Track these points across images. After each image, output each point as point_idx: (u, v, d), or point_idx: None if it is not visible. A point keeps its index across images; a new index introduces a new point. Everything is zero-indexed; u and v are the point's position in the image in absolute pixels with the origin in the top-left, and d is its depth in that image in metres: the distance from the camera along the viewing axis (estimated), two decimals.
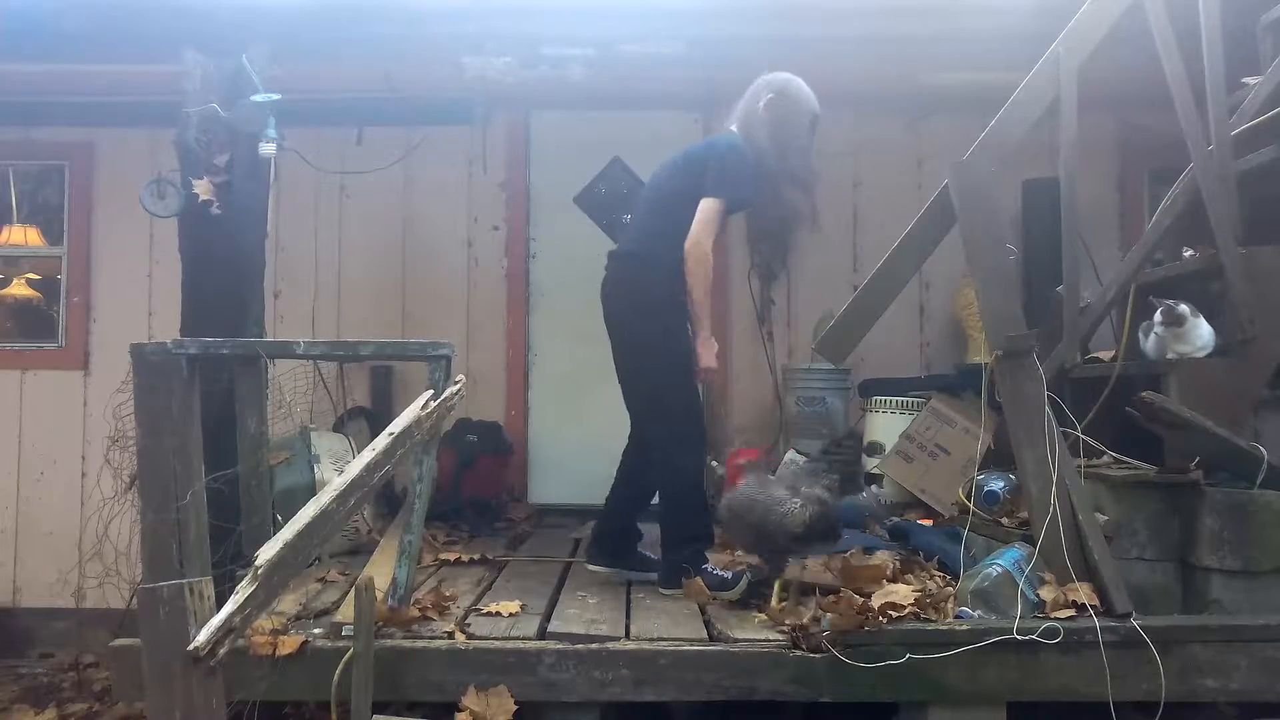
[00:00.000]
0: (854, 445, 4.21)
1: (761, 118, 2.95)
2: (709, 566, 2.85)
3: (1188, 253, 3.30)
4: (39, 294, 5.01)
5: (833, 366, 4.22)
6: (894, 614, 2.42)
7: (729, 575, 2.81)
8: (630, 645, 2.42)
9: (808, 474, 2.78)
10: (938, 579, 2.70)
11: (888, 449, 3.89)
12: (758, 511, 2.62)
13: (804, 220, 3.12)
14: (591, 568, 3.12)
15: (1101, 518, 2.64)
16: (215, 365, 2.88)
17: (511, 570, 3.35)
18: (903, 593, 2.50)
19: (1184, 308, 2.92)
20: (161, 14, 3.70)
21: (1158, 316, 2.94)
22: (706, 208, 2.85)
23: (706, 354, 2.92)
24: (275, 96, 3.40)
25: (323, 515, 1.91)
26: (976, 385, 3.18)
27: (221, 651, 1.66)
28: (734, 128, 3.02)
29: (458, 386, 2.51)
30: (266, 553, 1.78)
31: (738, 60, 4.38)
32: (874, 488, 3.89)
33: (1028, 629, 2.36)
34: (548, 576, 3.21)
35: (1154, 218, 3.20)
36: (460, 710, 2.29)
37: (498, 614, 2.65)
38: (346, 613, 2.45)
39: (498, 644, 2.42)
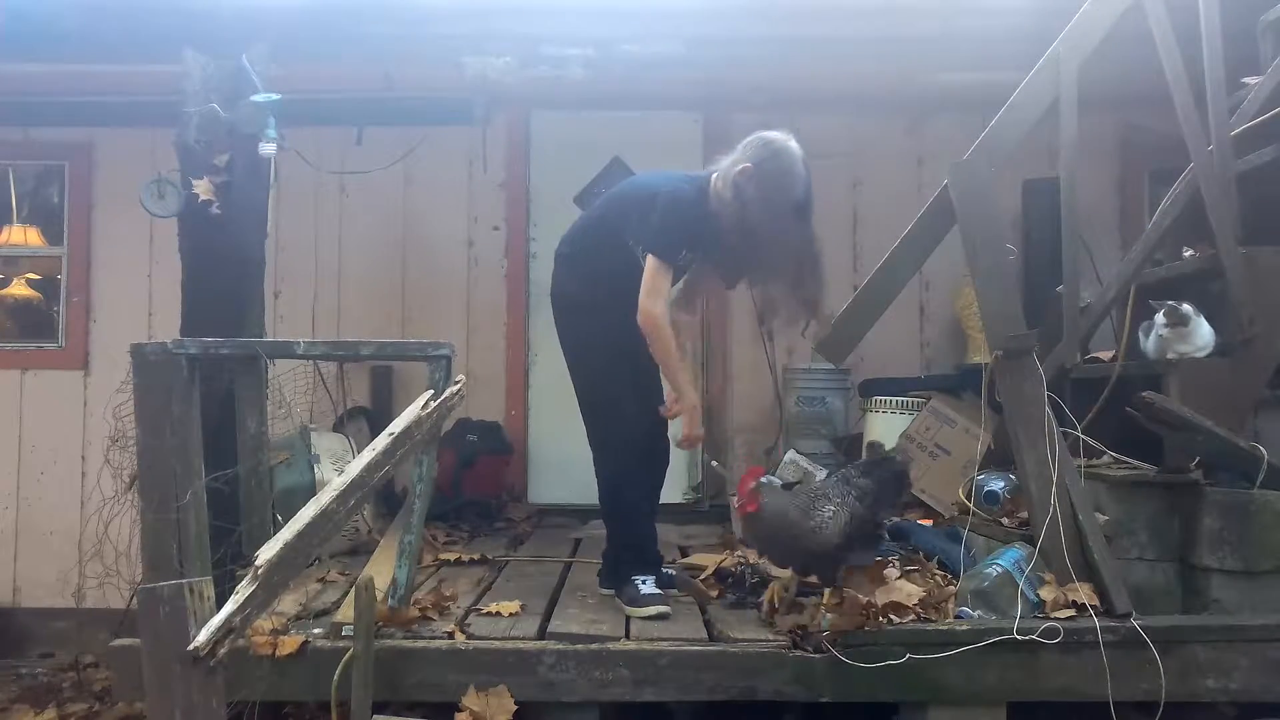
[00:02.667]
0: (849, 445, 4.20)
1: (737, 183, 2.64)
2: (638, 579, 2.73)
3: (1188, 253, 3.30)
4: (39, 294, 5.01)
5: (833, 366, 4.22)
6: (896, 615, 2.42)
7: (645, 593, 2.68)
8: (630, 645, 2.42)
9: (839, 482, 2.56)
10: (938, 579, 2.70)
11: (888, 449, 3.89)
12: (792, 530, 2.45)
13: (779, 311, 2.81)
14: (604, 592, 2.92)
15: (1101, 518, 2.64)
16: (215, 365, 2.88)
17: (511, 570, 3.35)
18: (907, 592, 2.50)
19: (1187, 307, 2.92)
20: (161, 14, 3.70)
21: (1161, 317, 2.93)
22: (648, 267, 2.65)
23: (685, 420, 2.73)
24: (275, 96, 3.39)
25: (323, 515, 1.91)
26: (976, 385, 3.18)
27: (221, 651, 1.65)
28: (715, 175, 2.73)
29: (458, 386, 2.51)
30: (266, 553, 1.78)
31: (738, 60, 4.42)
32: None
33: (1028, 629, 2.36)
34: (548, 576, 3.21)
35: (1154, 218, 3.19)
36: (460, 710, 2.29)
37: (498, 614, 2.65)
38: (346, 613, 2.45)
39: (498, 644, 2.43)
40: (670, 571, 2.97)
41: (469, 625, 2.56)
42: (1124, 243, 4.54)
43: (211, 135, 3.35)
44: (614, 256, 2.76)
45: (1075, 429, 2.85)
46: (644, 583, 2.73)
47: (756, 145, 2.67)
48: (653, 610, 2.64)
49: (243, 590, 1.72)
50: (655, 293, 2.64)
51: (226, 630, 1.66)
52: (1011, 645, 2.35)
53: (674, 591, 2.86)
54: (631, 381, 2.80)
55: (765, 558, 2.80)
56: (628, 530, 2.85)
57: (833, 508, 2.46)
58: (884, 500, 2.56)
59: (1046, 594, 2.48)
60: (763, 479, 2.53)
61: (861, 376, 4.44)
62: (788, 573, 2.87)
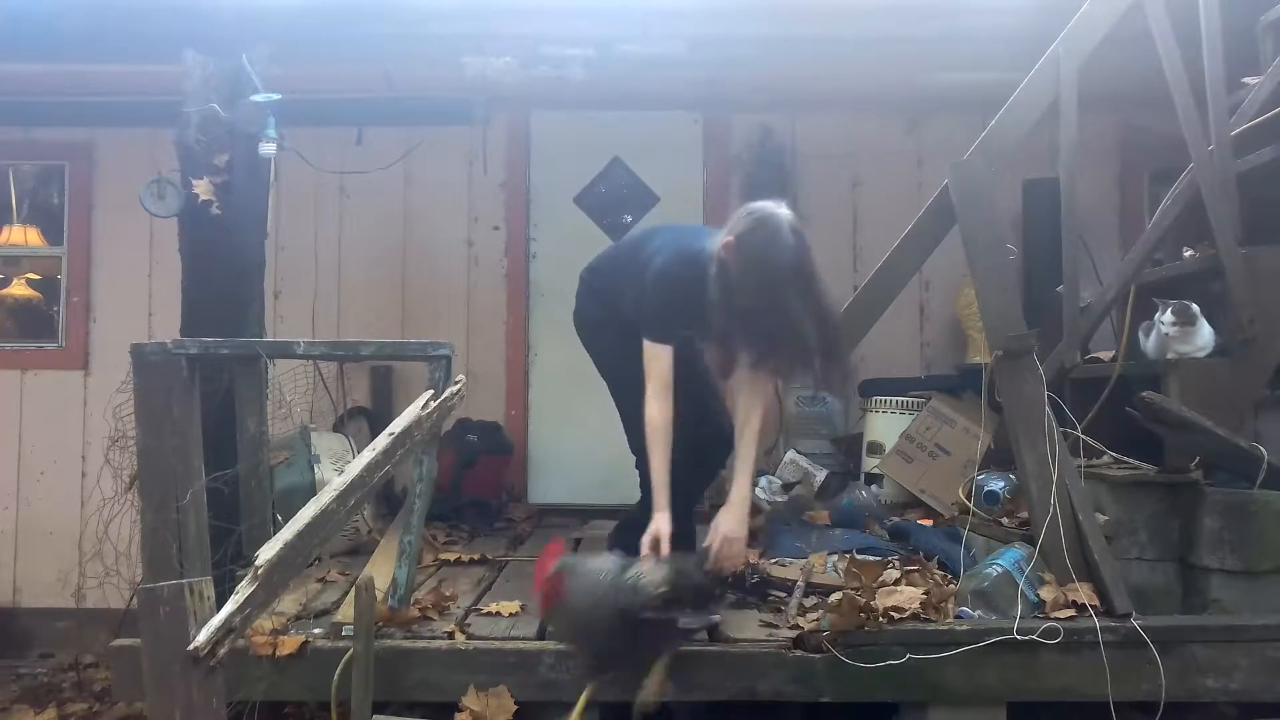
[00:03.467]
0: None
1: (720, 259, 2.48)
2: None
3: (1188, 253, 3.30)
4: (39, 294, 5.02)
5: None
6: (896, 615, 2.42)
7: None
8: None
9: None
10: (938, 579, 2.70)
11: (888, 449, 3.89)
12: (604, 603, 2.05)
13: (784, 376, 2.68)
14: None
15: (1101, 518, 2.64)
16: (215, 365, 2.88)
17: (511, 570, 3.34)
18: (908, 594, 2.49)
19: (1195, 306, 2.92)
20: (161, 14, 3.69)
21: (1170, 315, 2.92)
22: (645, 353, 2.60)
23: (652, 532, 2.47)
24: (275, 96, 3.40)
25: (323, 515, 1.91)
26: (976, 385, 3.18)
27: (221, 651, 1.65)
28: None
29: (458, 386, 2.51)
30: (266, 553, 1.78)
31: (738, 60, 4.42)
32: (874, 487, 3.90)
33: (1028, 629, 2.35)
34: None
35: (1154, 218, 3.20)
36: (460, 710, 2.29)
37: (498, 614, 2.65)
38: (346, 613, 2.45)
39: (498, 644, 2.42)
40: None
41: (469, 625, 2.56)
42: (1124, 243, 4.54)
43: (211, 135, 3.35)
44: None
45: (1075, 429, 2.85)
46: None
47: (740, 216, 2.51)
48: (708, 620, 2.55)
49: (243, 590, 1.72)
50: (654, 381, 2.58)
51: (226, 630, 1.66)
52: (1011, 645, 2.35)
53: None
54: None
55: (578, 653, 2.29)
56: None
57: (651, 563, 2.20)
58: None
59: (1046, 594, 2.48)
60: (565, 557, 2.21)
61: (861, 376, 4.44)
62: (795, 571, 2.87)
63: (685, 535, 2.75)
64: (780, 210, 2.48)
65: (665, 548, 2.46)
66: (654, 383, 2.59)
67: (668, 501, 2.53)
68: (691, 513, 2.87)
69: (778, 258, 2.40)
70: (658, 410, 2.57)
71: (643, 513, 2.77)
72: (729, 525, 2.52)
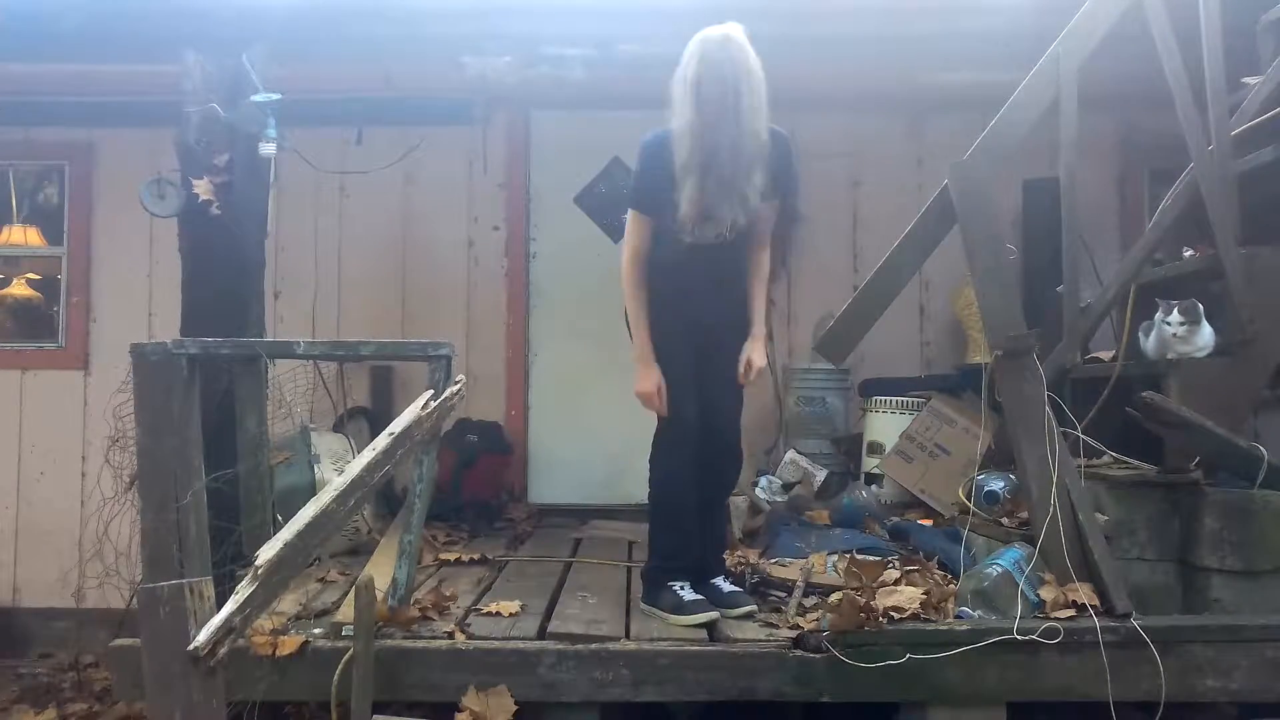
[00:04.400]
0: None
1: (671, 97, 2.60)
2: (675, 584, 2.66)
3: (1188, 253, 3.30)
4: (39, 294, 5.01)
5: (833, 366, 4.22)
6: (896, 615, 2.42)
7: (688, 599, 2.61)
8: (630, 645, 2.42)
9: None
10: (938, 579, 2.70)
11: (888, 449, 3.89)
12: None
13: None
14: (646, 607, 2.73)
15: (1101, 518, 2.64)
16: (215, 365, 2.88)
17: (511, 570, 3.35)
18: (908, 594, 2.50)
19: (1201, 305, 2.92)
20: (161, 14, 3.69)
21: (1177, 315, 2.92)
22: (627, 223, 2.72)
23: (639, 379, 2.67)
24: (275, 96, 3.40)
25: (323, 515, 1.91)
26: (976, 385, 3.19)
27: (221, 651, 1.66)
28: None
29: (458, 386, 2.51)
30: (266, 553, 1.78)
31: None
32: (874, 487, 3.90)
33: (1028, 629, 2.36)
34: (548, 576, 3.21)
35: (1154, 218, 3.20)
36: (460, 710, 2.29)
37: (498, 614, 2.66)
38: (346, 613, 2.45)
39: (498, 644, 2.43)
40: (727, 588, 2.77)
41: (469, 625, 2.56)
42: (1124, 243, 4.54)
43: (211, 135, 3.36)
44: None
45: (1075, 429, 2.85)
46: (683, 588, 2.65)
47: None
48: (703, 617, 2.55)
49: (243, 590, 1.72)
50: (627, 241, 2.69)
51: (226, 630, 1.66)
52: (1011, 645, 2.35)
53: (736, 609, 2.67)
54: (683, 378, 2.68)
55: None
56: (664, 533, 2.72)
57: None
58: None
59: (1046, 594, 2.48)
60: None
61: (861, 376, 4.44)
62: (795, 571, 2.87)
63: (686, 543, 2.70)
64: (717, 30, 2.58)
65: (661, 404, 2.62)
66: (627, 244, 2.68)
67: (647, 340, 2.66)
68: (709, 524, 2.79)
69: (697, 71, 2.55)
70: (628, 265, 2.66)
71: (652, 535, 2.79)
72: (752, 351, 2.72)
